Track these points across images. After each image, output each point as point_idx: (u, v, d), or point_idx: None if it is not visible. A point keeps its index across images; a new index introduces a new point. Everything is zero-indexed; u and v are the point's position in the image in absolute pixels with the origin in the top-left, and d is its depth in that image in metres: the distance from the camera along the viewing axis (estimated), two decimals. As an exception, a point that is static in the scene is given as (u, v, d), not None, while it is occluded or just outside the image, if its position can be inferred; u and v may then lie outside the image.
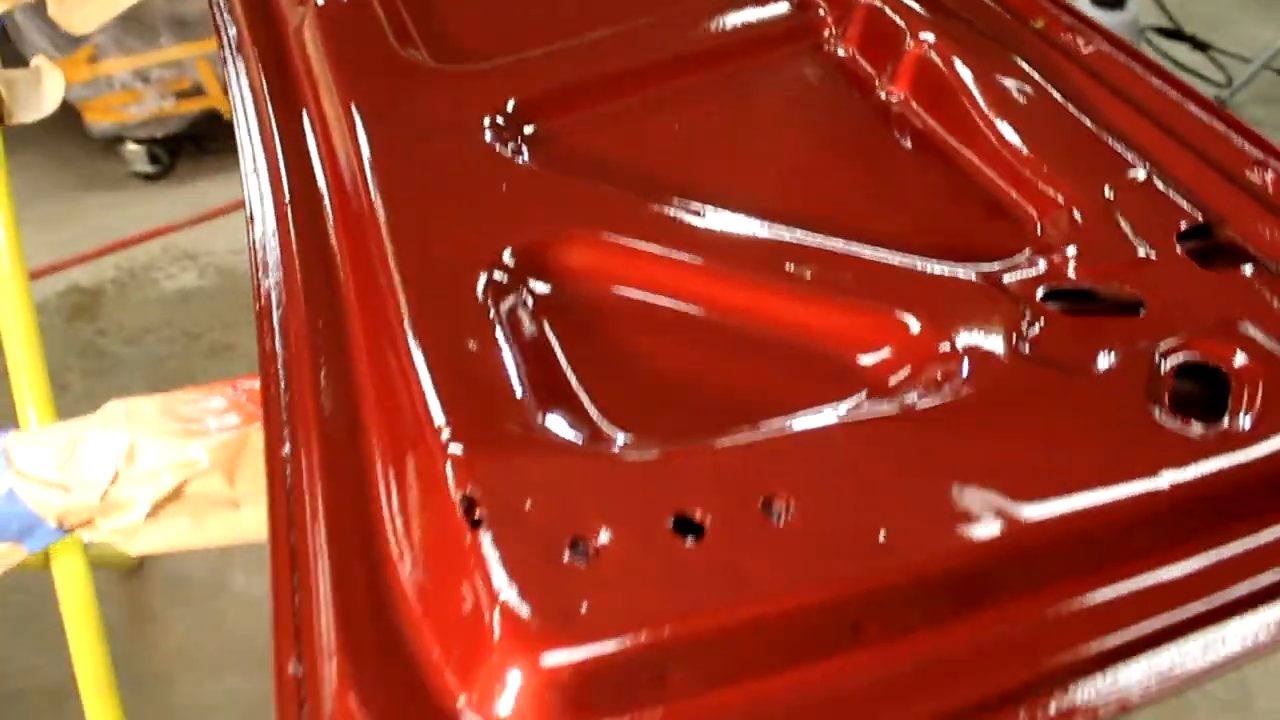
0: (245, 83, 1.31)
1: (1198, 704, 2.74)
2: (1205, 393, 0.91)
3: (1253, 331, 0.95)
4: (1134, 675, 0.75)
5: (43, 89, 1.96)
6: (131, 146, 3.99)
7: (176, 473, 0.97)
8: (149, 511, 0.96)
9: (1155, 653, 0.76)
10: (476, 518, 0.73)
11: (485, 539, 0.72)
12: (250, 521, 1.01)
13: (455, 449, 0.78)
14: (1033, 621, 0.76)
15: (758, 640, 0.71)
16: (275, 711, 0.72)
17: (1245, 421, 0.87)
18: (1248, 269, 1.03)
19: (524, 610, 0.69)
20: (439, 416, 0.81)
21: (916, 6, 1.33)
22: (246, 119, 1.25)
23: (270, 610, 0.77)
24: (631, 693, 0.69)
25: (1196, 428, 0.86)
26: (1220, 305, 0.98)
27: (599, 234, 1.03)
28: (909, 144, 1.25)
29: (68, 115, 3.19)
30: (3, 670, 2.67)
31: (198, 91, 3.93)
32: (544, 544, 0.72)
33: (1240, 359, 0.92)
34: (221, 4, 1.47)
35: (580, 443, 0.83)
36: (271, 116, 1.24)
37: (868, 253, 1.04)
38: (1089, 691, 0.73)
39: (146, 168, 4.04)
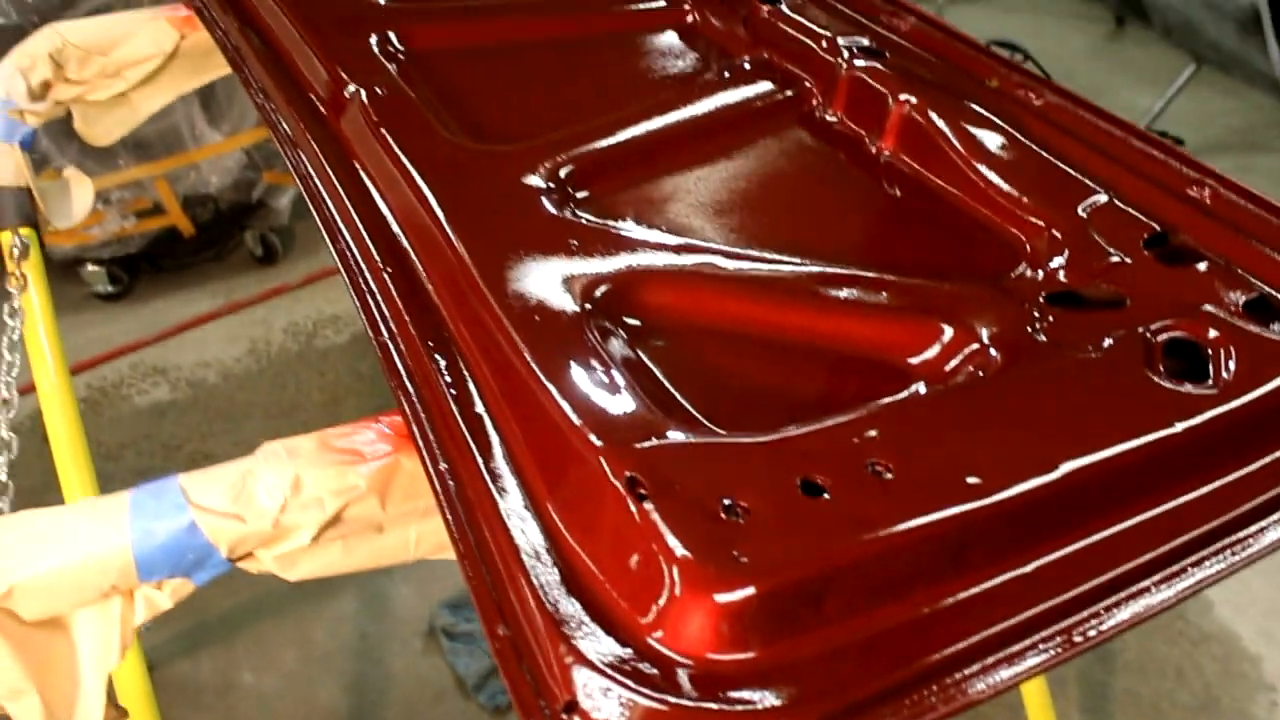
0: (310, 169, 1.48)
1: (1167, 711, 2.94)
2: (1188, 361, 1.11)
3: (1216, 311, 1.16)
4: (1165, 589, 0.94)
5: (72, 197, 2.11)
6: (91, 268, 4.09)
7: (338, 499, 1.10)
8: (314, 536, 1.10)
9: (1179, 566, 0.95)
10: (642, 493, 0.90)
11: (652, 509, 0.89)
12: (392, 544, 1.15)
13: (611, 444, 0.95)
14: (1090, 544, 0.94)
15: (883, 570, 0.89)
16: (499, 665, 0.88)
17: (1226, 378, 1.08)
18: (1202, 265, 1.25)
19: (696, 560, 0.86)
20: (587, 424, 0.97)
21: (892, 74, 1.55)
22: (321, 199, 1.41)
23: (470, 595, 0.93)
24: (794, 618, 0.86)
25: (1189, 387, 1.06)
26: (1186, 294, 1.20)
27: (669, 275, 1.21)
28: (903, 189, 1.46)
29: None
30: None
31: (158, 210, 4.06)
32: (701, 508, 0.89)
33: (1212, 333, 1.13)
34: (268, 106, 1.64)
35: (699, 435, 1.00)
36: (343, 195, 1.40)
37: (892, 277, 1.24)
38: (1134, 600, 0.92)
39: (107, 288, 4.15)
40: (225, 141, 4.15)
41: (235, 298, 4.23)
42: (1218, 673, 3.04)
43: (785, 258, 1.28)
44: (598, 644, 0.86)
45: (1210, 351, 1.12)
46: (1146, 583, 0.93)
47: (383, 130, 1.46)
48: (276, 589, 3.11)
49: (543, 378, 1.03)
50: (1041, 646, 0.87)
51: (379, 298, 1.25)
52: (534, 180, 1.38)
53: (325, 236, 1.36)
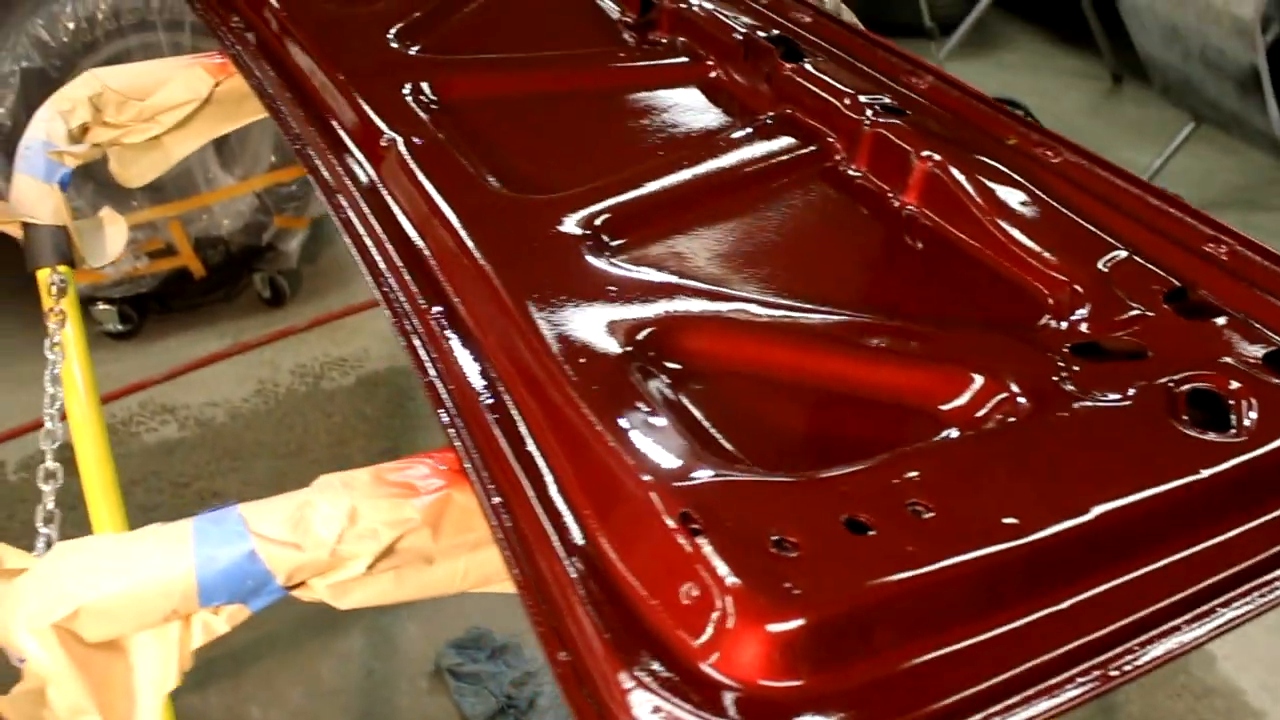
0: (351, 214, 1.53)
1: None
2: (1210, 412, 1.16)
3: (1236, 363, 1.21)
4: (1196, 627, 0.98)
5: (107, 237, 2.16)
6: (103, 306, 4.14)
7: (393, 530, 1.13)
8: (369, 566, 1.14)
9: (1208, 606, 1.00)
10: (694, 527, 0.94)
11: (705, 543, 0.93)
12: (441, 576, 1.19)
13: (662, 481, 0.99)
14: (1122, 583, 0.99)
15: (927, 605, 0.93)
16: (560, 688, 0.92)
17: (1249, 426, 1.12)
18: (1221, 320, 1.30)
19: (750, 591, 0.90)
20: (638, 462, 1.02)
21: (914, 131, 1.61)
22: (364, 243, 1.46)
23: (530, 623, 0.97)
24: (841, 649, 0.90)
25: (1212, 435, 1.11)
26: (1207, 346, 1.25)
27: (706, 321, 1.26)
28: (927, 243, 1.51)
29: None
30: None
31: (169, 251, 4.12)
32: (752, 542, 0.94)
33: (1234, 384, 1.17)
34: (307, 153, 1.69)
35: (744, 474, 1.05)
36: (384, 239, 1.45)
37: (922, 327, 1.29)
38: (1166, 638, 0.97)
39: (117, 326, 4.19)
40: (238, 185, 4.22)
41: (243, 339, 4.28)
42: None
43: (815, 306, 1.33)
44: (654, 670, 0.90)
45: (1232, 402, 1.16)
46: (1178, 621, 0.97)
47: (422, 178, 1.51)
48: (284, 625, 3.15)
49: (593, 417, 1.08)
50: (1079, 680, 0.91)
51: (424, 338, 1.29)
52: (571, 228, 1.44)
53: (369, 279, 1.41)
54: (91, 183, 3.77)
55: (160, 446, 3.78)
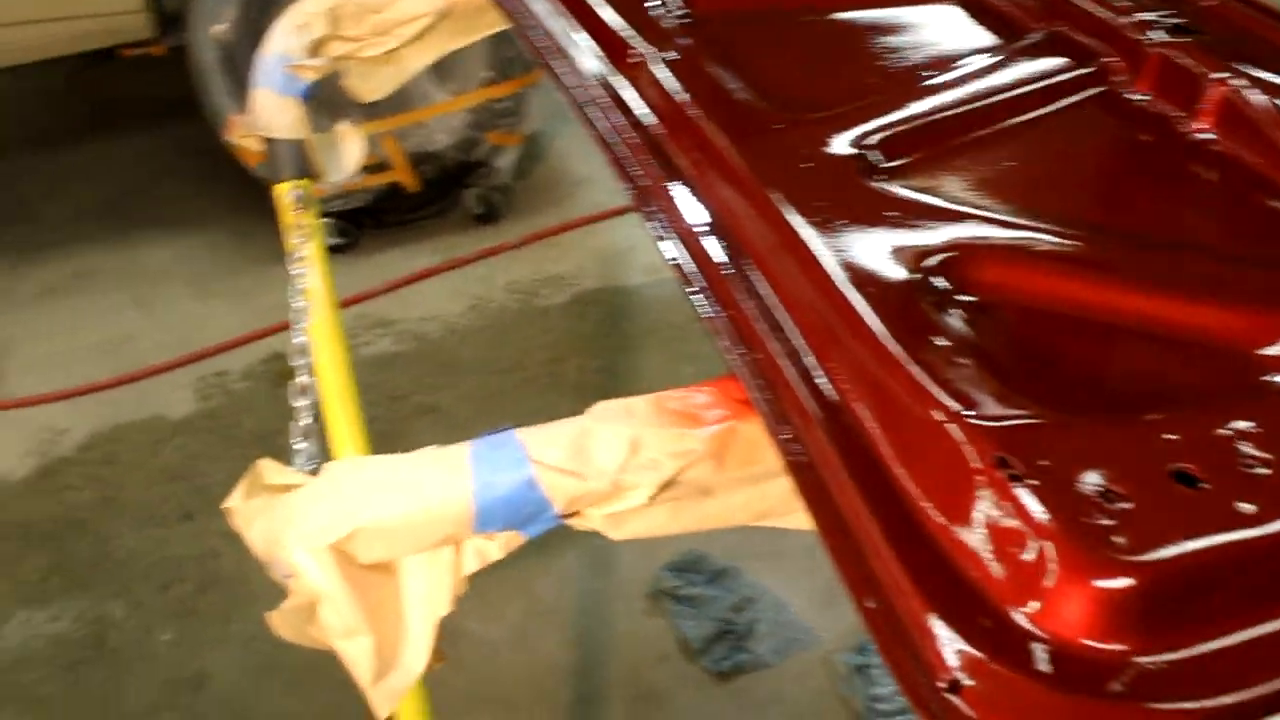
0: (604, 132, 1.49)
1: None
2: None
3: None
4: None
5: (344, 152, 2.17)
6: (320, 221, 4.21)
7: (675, 461, 1.10)
8: (649, 497, 1.11)
9: None
10: (1012, 473, 0.88)
11: (1024, 490, 0.87)
12: (717, 509, 1.15)
13: (974, 420, 0.93)
14: None
15: (1268, 570, 0.85)
16: (873, 636, 0.87)
17: None
18: None
19: (1073, 542, 0.83)
20: (944, 398, 0.95)
21: (1207, 52, 1.48)
22: (623, 162, 1.42)
23: (834, 566, 0.92)
24: (1172, 613, 0.82)
25: None
26: None
27: (997, 249, 1.18)
28: (1221, 173, 1.39)
29: (256, 192, 3.41)
30: (249, 715, 2.82)
31: (383, 167, 4.16)
32: (1075, 492, 0.87)
33: None
34: (554, 67, 1.65)
35: (1054, 415, 0.97)
36: (650, 158, 1.41)
37: (1226, 264, 1.19)
38: None
39: (332, 240, 4.26)
40: (452, 101, 4.23)
41: (457, 254, 4.31)
42: None
43: (1108, 237, 1.24)
44: (970, 622, 0.84)
45: None
46: None
47: (678, 96, 1.46)
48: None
49: (893, 349, 1.02)
50: None
51: (696, 263, 1.25)
52: (842, 149, 1.36)
53: (636, 203, 1.37)
54: (310, 100, 3.82)
55: (377, 360, 3.84)
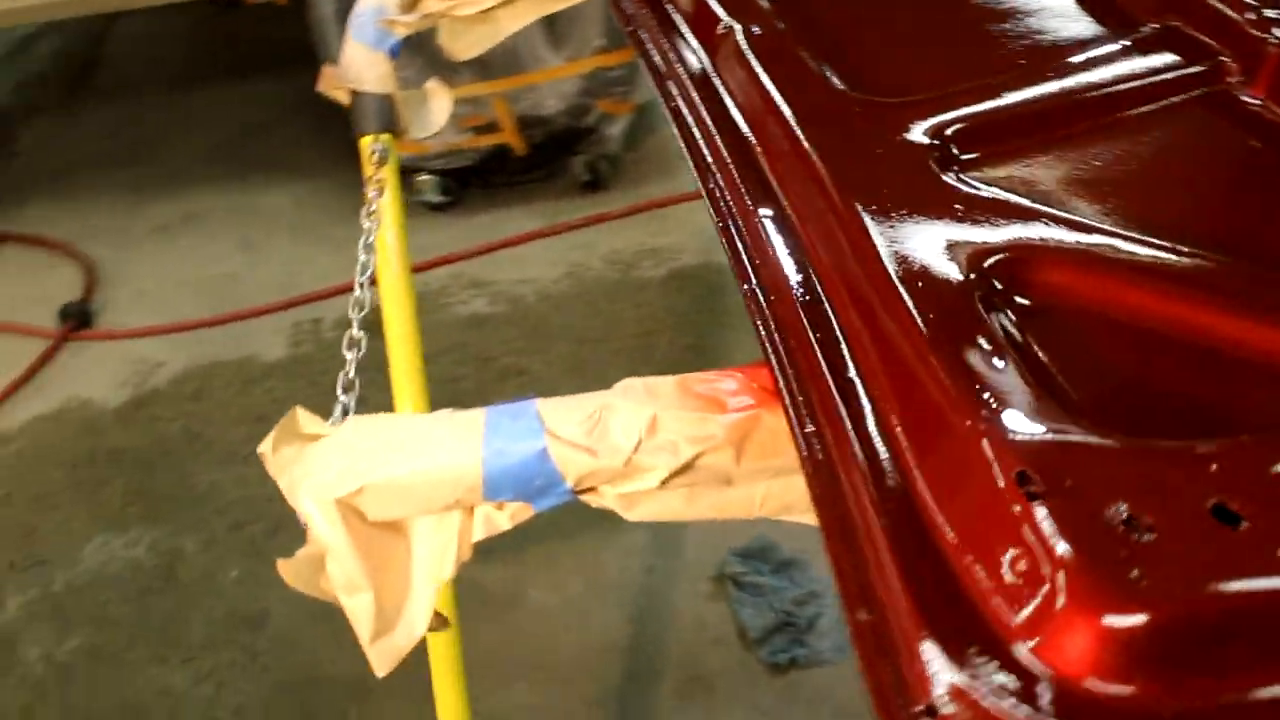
0: (681, 104, 1.44)
1: None
2: None
3: None
4: None
5: (431, 108, 2.15)
6: (424, 177, 4.23)
7: (693, 446, 1.06)
8: (663, 480, 1.07)
9: None
10: (1032, 490, 0.82)
11: (1043, 511, 0.81)
12: (737, 499, 1.11)
13: (999, 431, 0.87)
14: None
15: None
16: (857, 649, 0.82)
17: None
18: None
19: (1085, 572, 0.77)
20: (974, 404, 0.90)
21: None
22: (692, 135, 1.38)
23: (831, 571, 0.87)
24: (1185, 660, 0.76)
25: None
26: None
27: (1065, 253, 1.11)
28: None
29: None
30: (304, 658, 2.84)
31: (492, 128, 4.16)
32: (1096, 517, 0.80)
33: None
34: (640, 35, 1.61)
35: (1093, 434, 0.91)
36: (715, 135, 1.36)
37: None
38: None
39: (436, 198, 4.28)
40: (563, 66, 4.21)
41: (558, 220, 4.30)
42: None
43: (1193, 250, 1.16)
44: (962, 646, 0.79)
45: None
46: None
47: (759, 71, 1.41)
48: (571, 511, 3.14)
49: (928, 349, 0.96)
50: None
51: (747, 241, 1.20)
52: (918, 137, 1.30)
53: (695, 174, 1.33)
54: (421, 57, 3.83)
55: (469, 320, 3.85)
